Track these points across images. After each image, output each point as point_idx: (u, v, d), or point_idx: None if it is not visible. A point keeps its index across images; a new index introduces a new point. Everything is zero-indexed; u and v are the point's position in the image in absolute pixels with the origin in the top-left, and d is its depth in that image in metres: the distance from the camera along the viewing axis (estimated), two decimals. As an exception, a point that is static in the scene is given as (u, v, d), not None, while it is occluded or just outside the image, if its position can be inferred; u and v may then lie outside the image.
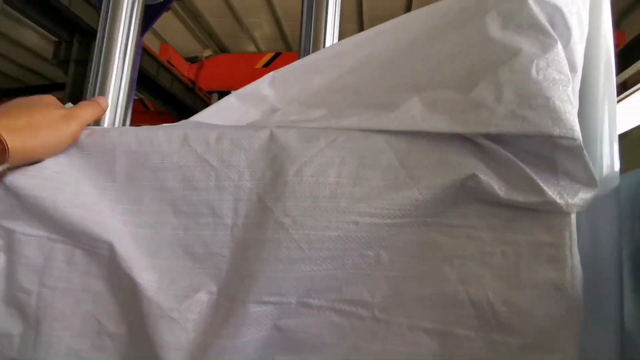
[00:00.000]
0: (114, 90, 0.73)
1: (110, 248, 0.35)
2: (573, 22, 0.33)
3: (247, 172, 0.35)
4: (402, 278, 0.32)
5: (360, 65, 0.40)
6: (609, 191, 0.42)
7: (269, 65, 6.45)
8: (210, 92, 10.41)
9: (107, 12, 0.78)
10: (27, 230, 0.36)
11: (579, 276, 0.30)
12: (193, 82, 8.31)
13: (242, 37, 8.89)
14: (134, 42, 0.77)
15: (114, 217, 0.36)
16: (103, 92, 0.71)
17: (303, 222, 0.32)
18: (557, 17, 0.32)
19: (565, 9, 0.32)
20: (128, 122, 0.76)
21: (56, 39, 7.92)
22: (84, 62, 7.60)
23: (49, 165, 0.36)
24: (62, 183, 0.36)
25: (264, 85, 0.44)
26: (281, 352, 0.33)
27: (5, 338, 0.35)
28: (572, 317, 0.29)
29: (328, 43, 0.59)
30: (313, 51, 0.60)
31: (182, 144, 0.36)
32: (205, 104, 10.82)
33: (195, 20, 5.58)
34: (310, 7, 0.61)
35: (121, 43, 0.80)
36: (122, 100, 0.71)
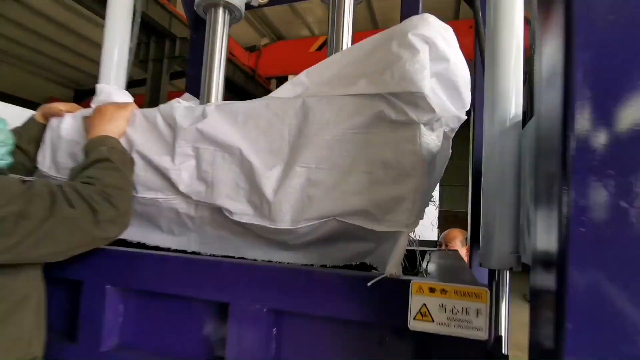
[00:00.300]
0: (215, 84, 1.12)
1: (239, 150, 0.77)
2: (439, 42, 0.71)
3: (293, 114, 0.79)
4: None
5: (341, 66, 0.78)
6: (513, 129, 0.66)
7: (321, 49, 6.69)
8: (269, 78, 10.86)
9: (211, 25, 1.16)
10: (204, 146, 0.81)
11: (423, 160, 0.62)
12: (253, 70, 8.81)
13: (296, 22, 9.16)
14: (225, 45, 1.15)
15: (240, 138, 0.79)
16: (209, 86, 1.08)
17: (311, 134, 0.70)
18: (429, 40, 0.66)
19: (431, 35, 0.64)
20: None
21: (137, 41, 8.69)
22: (159, 60, 8.36)
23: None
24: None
25: (303, 75, 0.76)
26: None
27: (198, 194, 0.80)
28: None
29: (345, 45, 0.89)
30: (335, 50, 0.90)
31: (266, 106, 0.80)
32: (265, 90, 11.30)
33: (252, 10, 5.97)
34: (333, 19, 0.91)
35: (219, 46, 1.18)
36: (222, 89, 1.13)
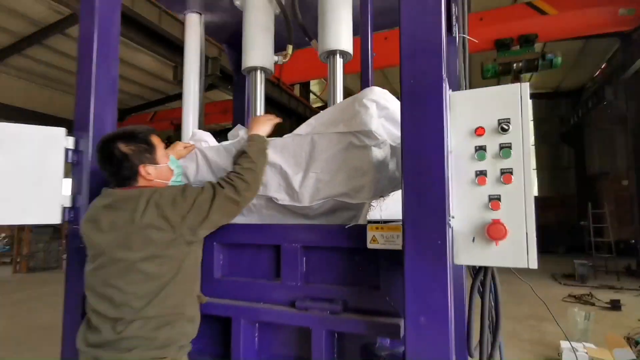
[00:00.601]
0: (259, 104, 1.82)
1: (280, 166, 1.50)
2: (381, 101, 1.37)
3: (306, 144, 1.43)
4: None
5: (331, 115, 1.48)
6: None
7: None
8: (292, 85, 11.58)
9: (252, 82, 1.88)
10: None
11: (374, 165, 1.27)
12: (278, 79, 9.54)
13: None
14: (263, 94, 1.85)
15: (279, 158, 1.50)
16: (256, 107, 1.79)
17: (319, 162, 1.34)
18: (374, 100, 1.30)
19: (375, 98, 1.27)
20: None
21: (173, 64, 9.73)
22: (194, 79, 9.12)
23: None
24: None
25: (312, 119, 1.45)
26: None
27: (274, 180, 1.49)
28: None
29: (338, 98, 1.57)
30: (332, 102, 1.58)
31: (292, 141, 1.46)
32: (289, 95, 12.02)
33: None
34: (330, 81, 1.58)
35: (260, 96, 1.89)
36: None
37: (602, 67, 13.13)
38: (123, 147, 1.30)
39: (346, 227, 1.28)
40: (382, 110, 1.39)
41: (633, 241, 10.14)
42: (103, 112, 1.59)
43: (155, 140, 1.39)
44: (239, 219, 1.54)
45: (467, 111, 1.06)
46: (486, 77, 8.56)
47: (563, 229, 15.47)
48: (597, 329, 4.51)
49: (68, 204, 1.53)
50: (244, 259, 1.52)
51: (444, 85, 0.98)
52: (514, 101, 1.01)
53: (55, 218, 1.51)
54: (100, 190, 1.37)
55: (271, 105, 14.34)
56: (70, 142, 1.54)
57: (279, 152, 1.50)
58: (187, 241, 1.26)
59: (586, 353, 3.70)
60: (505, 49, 8.30)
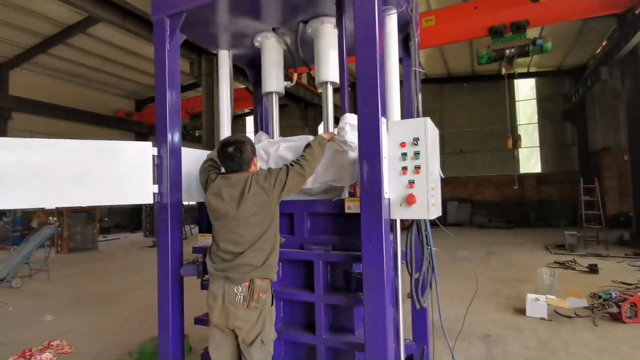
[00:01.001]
0: (275, 126, 2.63)
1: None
2: (353, 121, 2.15)
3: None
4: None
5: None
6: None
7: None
8: (300, 74, 12.33)
9: (269, 102, 2.71)
10: (279, 161, 2.27)
11: (350, 163, 2.10)
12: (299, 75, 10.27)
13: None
14: (278, 110, 2.66)
15: (292, 156, 2.26)
16: (273, 128, 2.61)
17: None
18: (348, 122, 2.13)
19: (348, 121, 2.14)
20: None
21: (190, 60, 10.59)
22: (210, 75, 10.12)
23: None
24: None
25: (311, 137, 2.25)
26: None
27: None
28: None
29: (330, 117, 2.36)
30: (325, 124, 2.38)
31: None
32: (297, 84, 12.82)
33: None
34: (324, 103, 2.37)
35: (275, 114, 2.71)
36: (277, 128, 2.62)
37: (603, 44, 13.39)
38: (250, 148, 2.08)
39: (332, 200, 2.11)
40: (353, 128, 2.17)
41: (631, 214, 10.71)
42: (173, 131, 2.42)
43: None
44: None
45: (397, 132, 1.86)
46: (481, 63, 9.12)
47: (565, 204, 16.08)
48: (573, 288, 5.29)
49: (155, 190, 2.39)
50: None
51: (380, 119, 1.77)
52: (421, 128, 1.81)
53: (148, 199, 2.37)
54: (175, 180, 2.25)
55: (292, 100, 15.17)
56: (155, 151, 2.39)
57: (292, 152, 2.31)
58: (275, 202, 2.00)
59: (546, 301, 4.52)
60: (499, 36, 8.81)
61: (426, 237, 2.15)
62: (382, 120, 1.80)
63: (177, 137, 2.44)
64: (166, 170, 2.37)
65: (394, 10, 2.32)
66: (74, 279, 7.67)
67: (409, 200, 1.80)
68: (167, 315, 2.33)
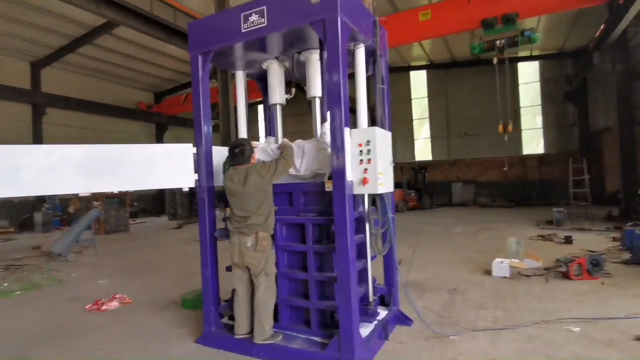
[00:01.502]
0: (280, 132, 3.65)
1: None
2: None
3: (304, 147, 3.21)
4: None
5: (309, 141, 3.18)
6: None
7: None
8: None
9: (274, 113, 3.72)
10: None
11: (329, 157, 3.09)
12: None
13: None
14: (282, 118, 3.68)
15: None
16: (278, 124, 3.63)
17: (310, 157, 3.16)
18: (326, 130, 3.05)
19: (327, 128, 3.06)
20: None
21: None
22: (224, 71, 11.01)
23: None
24: None
25: (301, 141, 3.25)
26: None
27: None
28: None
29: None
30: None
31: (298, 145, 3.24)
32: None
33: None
34: (313, 115, 3.36)
35: (280, 120, 3.73)
36: (281, 134, 3.62)
37: (602, 27, 13.73)
38: (249, 148, 3.15)
39: (318, 182, 3.10)
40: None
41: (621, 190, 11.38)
42: (206, 136, 3.43)
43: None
44: (280, 180, 3.37)
45: (356, 137, 2.82)
46: (473, 53, 9.81)
47: (565, 183, 16.60)
48: (544, 255, 6.16)
49: (196, 177, 3.43)
50: (279, 199, 3.37)
51: (344, 129, 2.73)
52: (372, 134, 2.77)
53: (191, 183, 3.42)
54: (209, 170, 3.30)
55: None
56: (194, 150, 3.42)
57: (300, 152, 3.30)
58: (269, 183, 3.05)
59: (508, 264, 5.46)
60: (490, 27, 9.47)
61: (382, 207, 3.13)
62: (346, 130, 2.76)
63: (209, 140, 3.46)
64: (202, 164, 3.40)
65: (362, 45, 3.25)
66: (116, 254, 8.96)
67: (364, 181, 2.78)
68: (207, 263, 3.40)
